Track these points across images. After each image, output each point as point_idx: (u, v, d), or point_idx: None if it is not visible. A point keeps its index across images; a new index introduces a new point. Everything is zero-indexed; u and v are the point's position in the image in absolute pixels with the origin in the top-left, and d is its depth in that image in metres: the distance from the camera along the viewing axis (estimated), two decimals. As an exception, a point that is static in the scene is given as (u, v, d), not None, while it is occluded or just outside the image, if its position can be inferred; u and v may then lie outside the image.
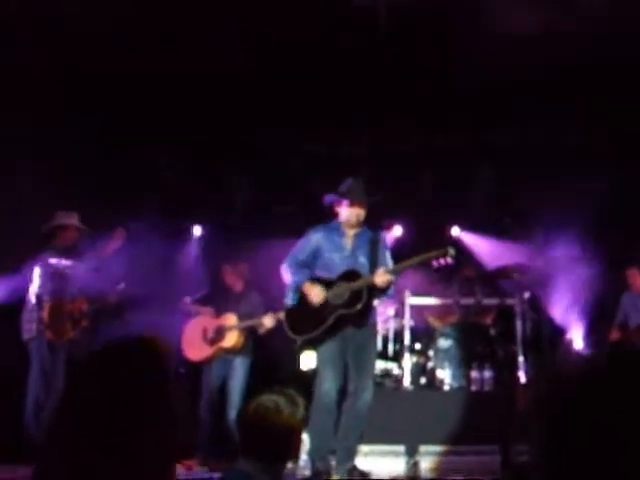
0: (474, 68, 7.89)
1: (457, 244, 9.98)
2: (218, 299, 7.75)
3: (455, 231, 10.30)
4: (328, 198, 6.19)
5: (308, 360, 8.68)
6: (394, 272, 5.83)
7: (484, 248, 10.03)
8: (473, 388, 8.23)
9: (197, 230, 10.27)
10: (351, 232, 6.10)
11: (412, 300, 8.63)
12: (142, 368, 1.96)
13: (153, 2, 7.33)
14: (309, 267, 6.09)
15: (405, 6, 7.62)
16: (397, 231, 10.03)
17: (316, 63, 8.39)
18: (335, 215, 6.17)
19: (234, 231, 9.76)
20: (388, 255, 6.17)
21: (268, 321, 7.29)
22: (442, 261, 5.59)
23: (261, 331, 7.42)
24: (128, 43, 7.78)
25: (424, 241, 9.35)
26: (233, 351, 7.49)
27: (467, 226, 10.28)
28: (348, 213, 6.04)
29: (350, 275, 5.85)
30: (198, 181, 10.16)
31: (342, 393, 5.87)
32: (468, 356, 8.53)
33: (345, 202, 6.05)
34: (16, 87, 7.71)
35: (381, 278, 5.70)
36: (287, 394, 3.38)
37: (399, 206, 10.00)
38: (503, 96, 8.86)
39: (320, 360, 6.00)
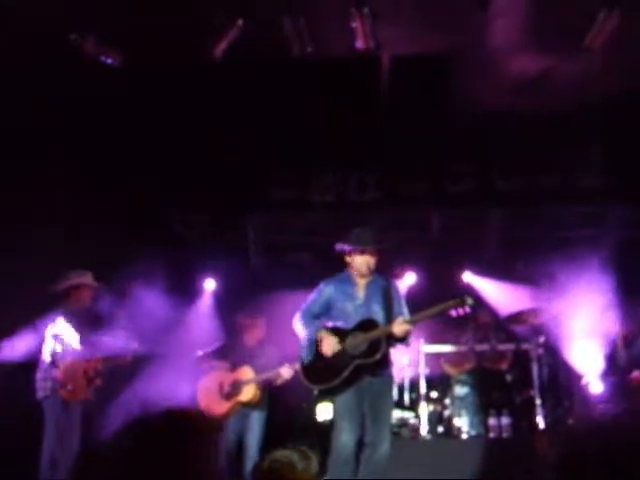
0: (478, 110, 7.98)
1: (470, 290, 9.97)
2: (233, 353, 7.72)
3: (467, 277, 10.25)
4: (338, 248, 6.21)
5: (325, 411, 8.61)
6: (412, 322, 5.82)
7: (497, 293, 9.97)
8: (491, 435, 8.13)
9: (210, 284, 10.27)
10: (362, 281, 6.11)
11: (426, 348, 8.58)
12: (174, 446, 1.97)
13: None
14: (322, 318, 6.09)
15: (408, 53, 7.75)
16: (410, 278, 9.99)
17: (319, 112, 8.48)
18: (346, 265, 6.18)
19: (247, 283, 9.74)
20: (403, 303, 6.18)
21: (286, 372, 7.27)
22: (460, 310, 5.62)
23: (278, 382, 7.39)
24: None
25: (437, 288, 9.36)
26: (250, 405, 7.44)
27: (479, 271, 10.24)
28: (359, 262, 6.06)
29: (367, 325, 5.85)
30: (210, 235, 10.20)
31: (360, 444, 5.82)
32: (485, 403, 8.43)
33: (355, 251, 6.06)
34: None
35: (400, 327, 5.69)
36: (300, 449, 3.34)
37: (410, 253, 10.00)
38: (511, 139, 8.93)
39: (337, 411, 5.96)
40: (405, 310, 6.09)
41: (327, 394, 6.08)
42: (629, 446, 1.65)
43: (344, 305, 6.04)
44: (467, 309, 5.62)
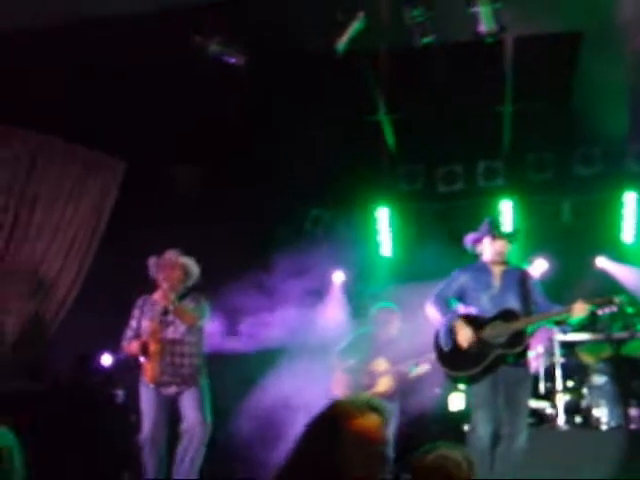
0: (602, 90, 7.73)
1: (604, 275, 9.70)
2: (366, 344, 7.74)
3: (601, 262, 9.95)
4: (470, 238, 6.18)
5: (457, 401, 8.56)
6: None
7: (635, 278, 9.61)
8: (632, 427, 7.86)
9: (339, 276, 10.35)
10: (498, 270, 6.05)
11: (561, 336, 8.37)
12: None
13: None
14: (455, 305, 6.07)
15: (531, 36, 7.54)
16: (542, 265, 9.76)
17: (441, 101, 8.38)
18: (478, 255, 6.12)
19: (377, 275, 9.76)
20: (540, 290, 6.10)
21: (422, 368, 7.30)
22: (607, 309, 5.53)
23: (412, 375, 7.42)
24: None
25: (569, 274, 9.15)
26: (384, 396, 7.44)
27: (614, 256, 9.92)
28: (493, 250, 6.01)
29: (508, 315, 5.80)
30: (338, 229, 10.28)
31: (495, 437, 5.74)
32: (625, 392, 8.17)
33: (488, 240, 6.02)
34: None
35: (581, 307, 5.62)
36: (455, 449, 3.35)
37: (540, 239, 9.80)
38: None
39: (473, 403, 5.93)
40: (543, 297, 6.03)
41: (464, 382, 6.05)
42: None
43: (479, 294, 5.99)
44: (614, 308, 5.54)
